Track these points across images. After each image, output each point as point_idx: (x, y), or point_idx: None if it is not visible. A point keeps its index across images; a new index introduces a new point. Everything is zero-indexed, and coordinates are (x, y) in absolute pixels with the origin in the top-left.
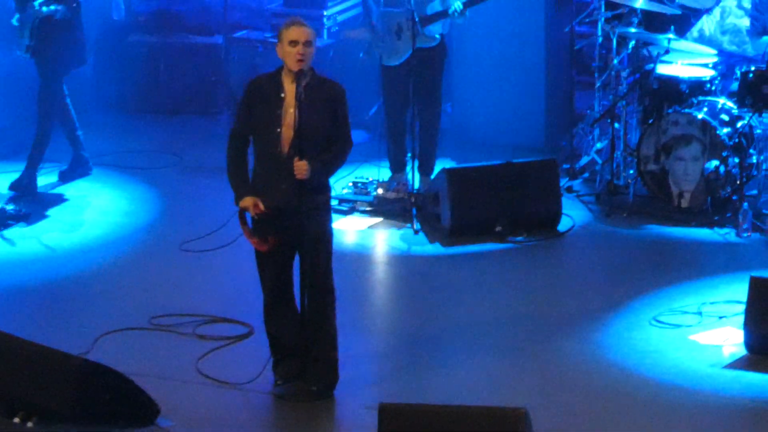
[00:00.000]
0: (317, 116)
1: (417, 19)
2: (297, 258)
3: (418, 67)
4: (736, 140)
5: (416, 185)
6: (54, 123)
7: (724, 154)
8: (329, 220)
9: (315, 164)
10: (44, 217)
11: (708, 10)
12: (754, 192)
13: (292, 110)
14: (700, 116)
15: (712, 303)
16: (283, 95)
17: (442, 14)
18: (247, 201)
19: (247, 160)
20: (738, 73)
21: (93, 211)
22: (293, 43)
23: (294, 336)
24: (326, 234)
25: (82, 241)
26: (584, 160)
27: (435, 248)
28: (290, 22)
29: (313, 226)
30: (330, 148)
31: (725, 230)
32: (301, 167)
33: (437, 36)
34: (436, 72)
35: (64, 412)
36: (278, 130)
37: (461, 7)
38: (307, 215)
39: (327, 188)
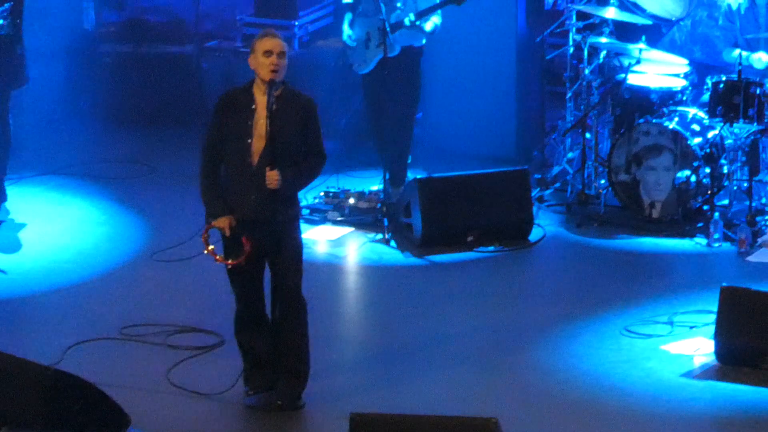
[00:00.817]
0: (289, 128)
1: (388, 29)
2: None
3: (386, 76)
4: (707, 150)
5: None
6: (11, 132)
7: (695, 164)
8: (299, 233)
9: (286, 174)
10: (15, 226)
11: (679, 20)
12: (725, 202)
13: (263, 121)
14: (671, 126)
15: (683, 313)
16: (254, 106)
17: (398, 25)
18: (223, 222)
19: (220, 175)
20: (709, 83)
21: (65, 221)
22: (267, 53)
23: (265, 347)
24: (296, 246)
25: (53, 251)
26: (555, 170)
27: (406, 258)
28: (264, 33)
29: (283, 239)
30: (302, 161)
31: (696, 240)
32: (273, 177)
33: (397, 47)
34: (405, 83)
35: (35, 423)
36: (249, 140)
37: (413, 17)
38: (276, 228)
39: (296, 201)
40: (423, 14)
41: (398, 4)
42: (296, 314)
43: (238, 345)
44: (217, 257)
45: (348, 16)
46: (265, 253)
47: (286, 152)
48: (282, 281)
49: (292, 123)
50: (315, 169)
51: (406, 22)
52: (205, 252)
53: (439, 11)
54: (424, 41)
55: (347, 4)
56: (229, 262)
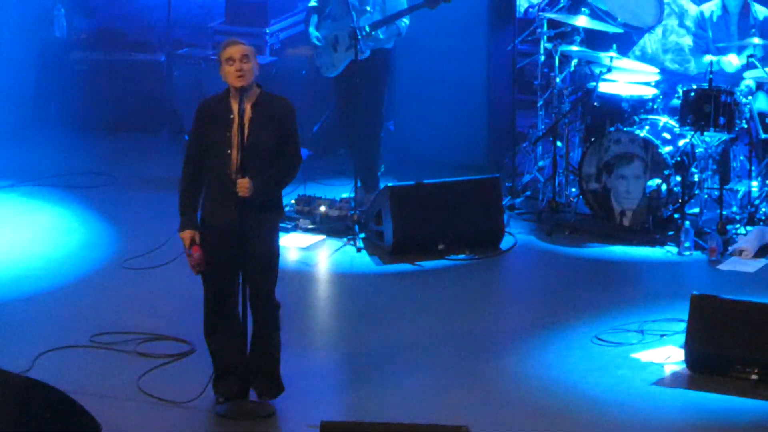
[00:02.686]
0: (264, 134)
1: (360, 36)
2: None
3: (354, 79)
4: (678, 159)
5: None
6: None
7: (666, 172)
8: (276, 239)
9: (257, 181)
10: None
11: (650, 29)
12: (696, 210)
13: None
14: (641, 135)
15: (653, 321)
16: (231, 116)
17: (353, 36)
18: (186, 234)
19: (200, 186)
20: (680, 91)
21: (34, 229)
22: (230, 60)
23: (235, 353)
24: (273, 253)
25: (23, 259)
26: (526, 178)
27: (377, 266)
28: (225, 43)
29: (260, 245)
30: (275, 164)
31: (667, 249)
32: (243, 185)
33: (367, 51)
34: (373, 85)
35: (5, 431)
36: (228, 151)
37: (368, 29)
38: (254, 234)
39: (276, 207)
40: (377, 25)
41: (368, 8)
42: (270, 316)
43: (209, 350)
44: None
45: (314, 19)
46: (241, 258)
47: (259, 159)
48: (258, 285)
49: (268, 129)
50: (287, 172)
51: (362, 33)
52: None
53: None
54: (391, 44)
55: (312, 7)
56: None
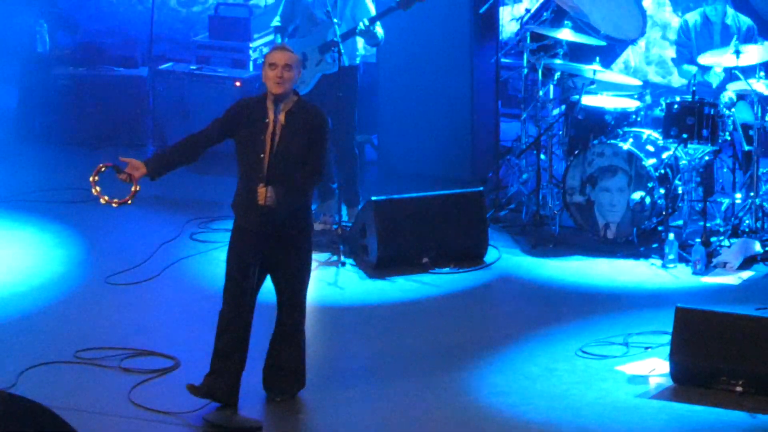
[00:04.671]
0: (296, 142)
1: (340, 43)
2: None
3: (326, 94)
4: (662, 171)
5: (344, 217)
6: None
7: (650, 185)
8: (309, 244)
9: (279, 190)
10: None
11: (633, 42)
12: (680, 223)
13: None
14: (625, 147)
15: (638, 334)
16: (267, 121)
17: (350, 33)
18: (129, 159)
19: (182, 155)
20: (663, 104)
21: (18, 245)
22: (272, 65)
23: (234, 357)
24: (304, 258)
25: (6, 275)
26: (510, 191)
27: (362, 280)
28: (273, 47)
29: (291, 250)
30: (296, 175)
31: (651, 261)
32: (264, 194)
33: (336, 65)
34: (345, 99)
35: None
36: (261, 155)
37: (367, 23)
38: (286, 239)
39: (306, 212)
40: (375, 20)
41: (335, 20)
42: (298, 318)
43: (214, 347)
44: (103, 198)
45: (278, 39)
46: (269, 263)
47: (288, 168)
48: (289, 295)
49: (299, 138)
50: (307, 183)
51: (361, 26)
52: (95, 193)
53: (381, 27)
54: (358, 60)
55: (275, 27)
56: (115, 201)
